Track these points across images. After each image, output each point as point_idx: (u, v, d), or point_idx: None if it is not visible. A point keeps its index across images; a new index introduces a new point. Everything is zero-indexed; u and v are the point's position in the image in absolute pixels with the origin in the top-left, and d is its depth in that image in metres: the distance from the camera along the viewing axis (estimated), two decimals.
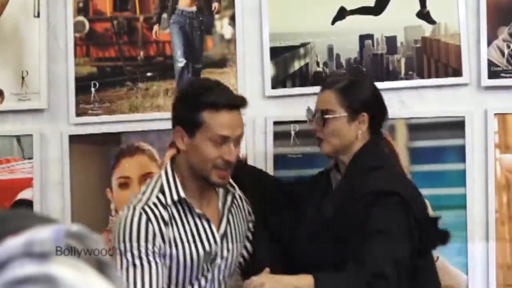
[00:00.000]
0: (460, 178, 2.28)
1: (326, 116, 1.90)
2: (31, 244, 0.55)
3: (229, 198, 1.95)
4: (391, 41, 2.28)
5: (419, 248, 1.86)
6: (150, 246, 1.83)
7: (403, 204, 1.82)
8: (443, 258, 2.24)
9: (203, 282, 1.97)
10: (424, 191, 2.09)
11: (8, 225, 0.59)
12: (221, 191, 2.01)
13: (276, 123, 2.28)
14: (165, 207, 1.87)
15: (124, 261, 1.82)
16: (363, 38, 2.29)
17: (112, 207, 2.48)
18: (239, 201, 1.98)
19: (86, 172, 2.52)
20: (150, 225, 1.82)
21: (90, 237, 0.57)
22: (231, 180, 1.99)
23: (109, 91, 2.47)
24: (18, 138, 2.51)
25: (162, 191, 1.85)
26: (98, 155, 2.53)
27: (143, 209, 1.82)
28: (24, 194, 2.50)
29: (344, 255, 1.81)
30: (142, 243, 1.81)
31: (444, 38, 2.28)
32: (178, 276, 1.93)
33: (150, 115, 2.43)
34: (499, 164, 2.22)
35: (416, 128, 2.30)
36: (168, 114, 2.24)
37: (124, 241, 1.82)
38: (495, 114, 2.21)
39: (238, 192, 1.97)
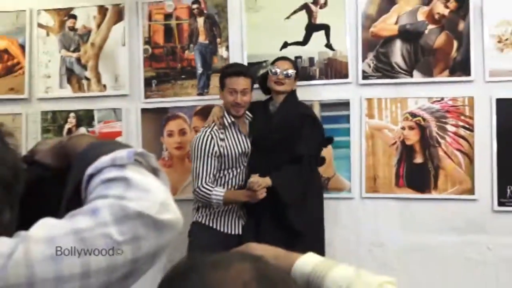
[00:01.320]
0: (347, 132, 3.40)
1: (289, 72, 2.96)
2: (115, 159, 0.84)
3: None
4: (311, 60, 3.43)
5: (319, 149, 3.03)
6: (210, 150, 2.79)
7: (318, 122, 3.01)
8: (338, 173, 3.38)
9: (238, 169, 2.91)
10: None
11: (103, 149, 0.89)
12: (247, 122, 2.99)
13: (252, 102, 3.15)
14: (222, 128, 2.84)
15: (195, 155, 2.78)
16: (296, 57, 3.39)
17: (164, 147, 3.52)
18: None
19: (150, 128, 3.55)
20: (212, 140, 2.79)
21: (148, 156, 0.88)
22: (251, 116, 2.96)
23: (162, 85, 3.55)
24: (114, 110, 3.63)
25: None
26: (156, 119, 3.54)
27: (209, 132, 2.80)
28: (117, 139, 3.33)
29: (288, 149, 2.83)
30: (206, 149, 2.78)
31: (339, 58, 3.41)
32: (227, 164, 2.85)
33: (183, 98, 3.54)
34: (367, 124, 3.37)
35: (324, 106, 3.41)
36: (193, 97, 3.51)
37: (197, 147, 2.79)
38: (365, 98, 3.35)
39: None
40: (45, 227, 0.80)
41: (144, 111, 3.59)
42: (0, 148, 0.87)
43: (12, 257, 0.75)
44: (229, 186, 2.88)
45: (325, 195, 3.25)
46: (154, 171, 0.91)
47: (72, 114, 3.66)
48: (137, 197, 0.82)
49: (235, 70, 2.91)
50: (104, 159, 0.87)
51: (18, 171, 0.88)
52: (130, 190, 0.83)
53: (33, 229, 0.80)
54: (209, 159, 2.78)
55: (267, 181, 2.76)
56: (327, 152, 3.35)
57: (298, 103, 3.12)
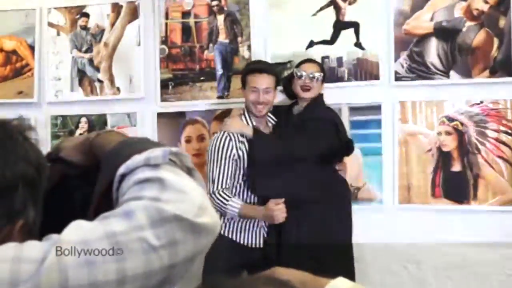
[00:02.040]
0: (378, 138, 3.29)
1: (315, 75, 2.90)
2: (148, 159, 0.83)
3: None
4: (339, 60, 3.32)
5: (337, 155, 2.94)
6: (228, 153, 2.75)
7: (336, 127, 2.91)
8: (369, 183, 3.28)
9: None
10: (359, 145, 3.19)
11: (135, 148, 0.88)
12: (271, 126, 2.94)
13: (275, 106, 3.13)
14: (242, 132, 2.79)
15: (211, 157, 2.74)
16: (323, 58, 3.32)
17: None
18: None
19: (166, 134, 3.49)
20: (231, 142, 2.76)
21: (183, 155, 0.86)
22: (275, 120, 2.93)
23: (179, 88, 3.50)
24: (128, 114, 3.57)
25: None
26: (173, 124, 3.49)
27: (228, 133, 2.77)
28: None
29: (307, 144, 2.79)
30: (224, 151, 2.75)
31: (370, 57, 3.29)
32: (245, 171, 2.77)
33: (202, 101, 3.47)
34: (400, 129, 3.25)
35: (354, 109, 3.28)
36: (213, 101, 3.43)
37: (214, 149, 2.75)
38: (399, 101, 3.24)
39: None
40: (78, 230, 0.79)
41: (160, 115, 3.56)
42: (22, 143, 0.88)
43: (44, 263, 0.75)
44: (245, 196, 2.83)
45: (354, 206, 3.14)
46: (189, 172, 0.89)
47: (83, 119, 3.63)
48: (174, 199, 0.81)
49: (258, 67, 2.87)
50: (137, 158, 0.86)
51: (42, 167, 0.89)
52: (166, 192, 0.82)
53: (65, 232, 0.79)
54: (227, 162, 2.74)
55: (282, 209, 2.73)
56: (356, 160, 3.27)
57: (323, 107, 3.06)
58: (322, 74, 2.98)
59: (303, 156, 2.81)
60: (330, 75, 3.27)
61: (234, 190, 2.82)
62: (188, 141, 3.50)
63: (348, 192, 3.11)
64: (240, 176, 2.82)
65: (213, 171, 2.77)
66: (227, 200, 2.70)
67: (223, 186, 2.73)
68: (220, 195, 2.71)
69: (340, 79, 3.35)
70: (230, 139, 2.76)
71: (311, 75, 2.92)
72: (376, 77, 3.32)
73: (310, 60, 3.04)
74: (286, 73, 3.30)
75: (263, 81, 2.82)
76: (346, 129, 3.16)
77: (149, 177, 0.84)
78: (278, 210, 2.67)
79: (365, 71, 3.32)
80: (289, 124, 2.98)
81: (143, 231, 0.79)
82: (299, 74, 2.94)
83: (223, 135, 2.77)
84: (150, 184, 0.83)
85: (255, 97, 2.81)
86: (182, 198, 0.82)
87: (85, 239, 0.78)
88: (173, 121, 3.53)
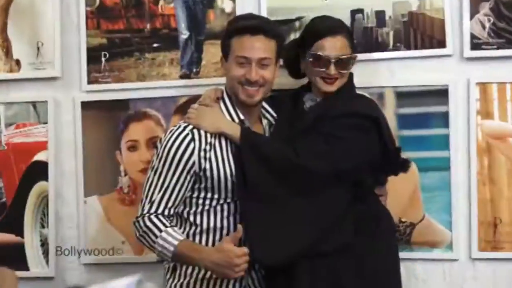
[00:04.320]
0: (444, 142, 2.82)
1: (347, 59, 2.44)
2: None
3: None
4: (380, 15, 2.85)
5: (380, 171, 2.52)
6: (184, 160, 2.40)
7: (376, 128, 2.43)
8: (429, 216, 2.82)
9: (230, 203, 2.49)
10: (411, 154, 2.73)
11: None
12: (266, 123, 2.58)
13: (273, 91, 2.68)
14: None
15: (156, 164, 2.41)
16: (354, 12, 2.84)
17: (121, 169, 3.06)
18: None
19: (97, 136, 3.07)
20: (192, 144, 2.41)
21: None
22: (273, 114, 2.56)
23: (118, 61, 3.08)
24: (34, 104, 3.12)
25: None
26: (108, 120, 3.09)
27: (190, 130, 2.41)
28: (40, 156, 3.07)
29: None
30: (177, 156, 2.39)
31: (429, 12, 2.82)
32: (212, 191, 2.45)
33: (156, 83, 3.03)
34: (480, 129, 2.79)
35: (404, 96, 2.85)
36: (174, 82, 3.01)
37: (163, 152, 2.41)
38: (476, 83, 2.77)
39: None
40: None
41: (87, 106, 3.12)
42: None
43: None
44: (213, 231, 2.51)
45: (406, 254, 2.83)
46: None
47: None
48: None
49: (250, 24, 2.47)
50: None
51: None
52: None
53: None
54: (178, 174, 2.42)
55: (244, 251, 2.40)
56: (408, 179, 2.78)
57: (354, 95, 2.63)
58: (355, 57, 2.57)
59: (322, 177, 2.42)
60: (365, 40, 2.87)
61: (196, 218, 2.49)
62: (132, 148, 3.07)
63: (393, 232, 2.71)
64: (205, 201, 2.48)
65: (152, 186, 2.45)
66: (159, 231, 2.36)
67: (161, 212, 2.41)
68: (152, 221, 2.38)
69: (381, 47, 2.92)
70: (192, 139, 2.43)
71: (338, 60, 2.47)
72: (441, 44, 2.86)
73: (335, 29, 2.55)
74: (293, 37, 2.89)
75: (258, 47, 2.44)
76: (393, 131, 2.72)
77: None
78: (239, 257, 2.29)
79: (421, 34, 2.89)
80: (298, 123, 2.59)
81: None
82: (318, 55, 2.49)
83: (182, 130, 2.45)
84: None
85: (243, 72, 2.44)
86: None
87: None
88: (108, 116, 3.14)
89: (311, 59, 2.51)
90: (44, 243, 3.16)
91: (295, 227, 2.42)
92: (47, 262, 3.15)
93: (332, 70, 2.47)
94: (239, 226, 2.40)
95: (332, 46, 2.49)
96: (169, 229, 2.41)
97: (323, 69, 2.49)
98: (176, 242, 2.37)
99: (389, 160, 2.58)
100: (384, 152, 2.52)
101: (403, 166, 2.63)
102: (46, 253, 3.15)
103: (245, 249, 2.33)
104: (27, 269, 3.15)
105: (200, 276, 2.49)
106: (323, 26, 2.57)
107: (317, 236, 2.42)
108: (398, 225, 2.85)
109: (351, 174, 2.44)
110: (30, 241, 3.18)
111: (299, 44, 2.62)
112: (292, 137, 2.50)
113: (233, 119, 2.49)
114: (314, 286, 2.43)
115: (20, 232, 3.18)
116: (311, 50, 2.52)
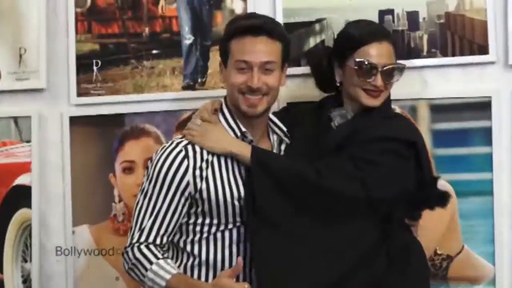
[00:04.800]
0: (486, 162, 2.62)
1: (395, 69, 2.30)
2: None
3: (282, 147, 2.40)
4: (412, 17, 2.66)
5: (414, 205, 2.33)
6: (176, 181, 2.26)
7: (414, 155, 2.27)
8: (469, 247, 2.63)
9: (233, 229, 2.34)
10: (448, 176, 2.57)
11: None
12: (275, 139, 2.42)
13: (290, 104, 2.58)
14: None
15: (147, 186, 2.27)
16: (383, 13, 2.65)
17: (116, 193, 2.90)
18: None
19: (88, 156, 2.93)
20: (185, 161, 2.27)
21: None
22: (283, 129, 2.42)
23: (112, 69, 2.92)
24: (16, 119, 2.98)
25: None
26: (101, 138, 2.93)
27: (184, 146, 2.27)
28: (22, 180, 2.93)
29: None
30: (168, 176, 2.26)
31: (470, 13, 2.62)
32: (210, 215, 2.31)
33: (155, 95, 2.87)
34: None
35: (440, 110, 2.66)
36: (175, 94, 2.86)
37: (153, 172, 2.27)
38: None
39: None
40: None
41: (76, 121, 2.98)
42: None
43: None
44: (213, 263, 2.37)
45: None
46: None
47: None
48: None
49: (251, 23, 2.29)
50: None
51: None
52: None
53: None
54: (170, 197, 2.27)
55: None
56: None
57: (391, 115, 2.44)
58: (404, 66, 2.39)
59: (351, 202, 2.25)
60: (396, 45, 2.48)
61: (193, 247, 2.35)
62: (128, 169, 2.91)
63: (426, 267, 2.49)
64: (203, 228, 2.34)
65: (142, 212, 2.30)
66: (150, 263, 2.22)
67: (152, 241, 2.28)
68: (142, 252, 2.24)
69: (413, 53, 2.73)
70: (186, 155, 2.28)
71: (387, 69, 2.29)
72: (483, 50, 2.65)
73: (379, 35, 2.37)
74: (312, 42, 2.77)
75: (261, 49, 2.26)
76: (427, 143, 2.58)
77: None
78: None
79: (460, 38, 2.68)
80: (323, 143, 2.38)
81: None
82: (366, 64, 2.30)
83: (175, 147, 2.30)
84: None
85: (244, 79, 2.27)
86: None
87: None
88: (100, 133, 2.99)
89: (356, 67, 2.33)
90: (26, 280, 3.05)
91: (316, 262, 2.23)
92: None
93: (379, 80, 2.31)
94: (239, 259, 2.26)
95: (379, 54, 2.33)
96: (161, 261, 2.26)
97: (369, 79, 2.32)
98: (168, 277, 2.22)
99: (426, 192, 2.37)
100: (420, 182, 2.33)
101: (442, 199, 2.39)
102: None
103: (246, 285, 2.20)
104: None
105: None
106: (367, 31, 2.40)
107: (342, 274, 2.23)
108: (433, 258, 2.70)
109: (385, 205, 2.24)
110: (11, 277, 3.07)
111: (335, 51, 2.45)
112: (315, 159, 2.30)
113: (234, 133, 2.33)
114: None
115: None
116: (354, 58, 2.35)
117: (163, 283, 2.21)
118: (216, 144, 2.32)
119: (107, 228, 2.97)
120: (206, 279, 2.33)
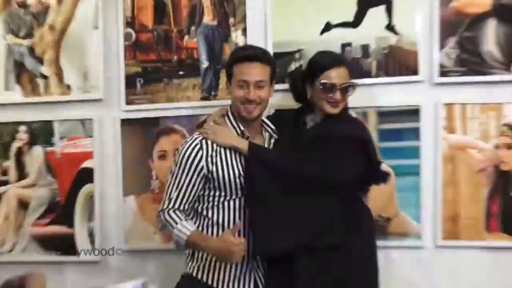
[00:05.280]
0: (416, 152, 3.05)
1: (350, 86, 2.59)
2: None
3: (272, 141, 2.68)
4: (365, 48, 3.05)
5: (364, 182, 2.70)
6: (194, 164, 2.60)
7: (364, 148, 2.61)
8: (402, 212, 3.06)
9: (236, 199, 2.63)
10: (389, 162, 2.96)
11: None
12: (267, 136, 2.71)
13: (277, 110, 2.91)
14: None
15: (174, 168, 2.60)
16: (344, 45, 3.05)
17: (153, 174, 3.26)
18: None
19: (133, 147, 3.28)
20: (200, 151, 2.59)
21: None
22: (272, 128, 2.70)
23: (151, 85, 3.29)
24: (82, 121, 3.34)
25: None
26: (143, 134, 3.29)
27: (200, 140, 2.60)
28: (87, 164, 3.32)
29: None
30: (189, 161, 2.59)
31: (405, 46, 3.03)
32: (221, 189, 2.62)
33: (182, 104, 3.24)
34: (446, 142, 3.01)
35: (383, 115, 3.05)
36: (195, 103, 3.19)
37: (178, 159, 2.61)
38: (443, 104, 2.98)
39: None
40: None
41: (125, 122, 3.34)
42: None
43: None
44: (222, 224, 2.67)
45: (384, 243, 2.99)
46: None
47: (22, 128, 3.46)
48: None
49: (248, 53, 2.62)
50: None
51: None
52: None
53: None
54: (189, 176, 2.60)
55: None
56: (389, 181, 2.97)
57: (349, 119, 2.79)
58: (356, 84, 2.69)
59: (323, 185, 2.56)
60: (353, 68, 2.91)
61: (215, 212, 2.66)
62: (162, 157, 3.28)
63: (373, 227, 2.86)
64: (214, 198, 2.65)
65: (170, 186, 2.63)
66: (175, 222, 2.57)
67: (177, 207, 2.61)
68: (170, 215, 2.59)
69: (365, 74, 3.10)
70: (201, 147, 2.59)
71: (343, 87, 2.61)
72: (414, 72, 3.06)
73: (338, 62, 2.68)
74: (293, 67, 3.11)
75: (256, 72, 2.59)
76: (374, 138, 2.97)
77: None
78: (236, 246, 2.44)
79: (399, 63, 3.08)
80: (300, 140, 2.70)
81: None
82: (328, 84, 2.63)
83: (193, 141, 2.62)
84: None
85: (244, 93, 2.59)
86: None
87: None
88: (142, 131, 3.34)
89: (321, 87, 2.61)
90: (91, 234, 3.36)
91: (293, 224, 2.55)
92: (93, 249, 3.35)
93: (338, 95, 2.59)
94: (238, 221, 2.59)
95: (338, 76, 2.61)
96: (184, 222, 2.57)
97: (330, 95, 2.61)
98: (188, 233, 2.54)
99: (374, 173, 2.73)
100: (369, 166, 2.67)
101: (384, 178, 2.82)
102: (92, 242, 3.35)
103: (242, 239, 2.47)
104: (77, 255, 3.36)
105: (213, 259, 2.64)
106: (329, 59, 2.68)
107: (314, 233, 2.55)
108: (378, 219, 3.05)
109: (345, 185, 2.58)
110: (80, 232, 3.38)
111: (306, 74, 2.74)
112: (295, 151, 2.65)
113: (236, 131, 2.64)
114: (310, 273, 2.57)
115: (71, 225, 3.37)
116: (319, 79, 2.63)
117: (185, 237, 2.55)
118: (223, 139, 2.62)
119: (147, 198, 3.29)
120: (217, 235, 2.62)
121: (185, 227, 2.56)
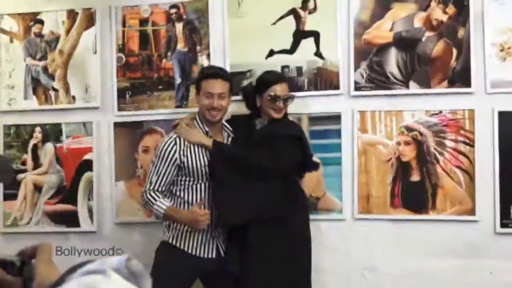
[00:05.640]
0: (338, 148, 3.34)
1: (289, 97, 2.83)
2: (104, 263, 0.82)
3: (229, 140, 2.88)
4: (299, 69, 3.35)
5: (300, 170, 2.91)
6: (170, 156, 2.72)
7: (300, 144, 2.84)
8: (328, 192, 3.33)
9: (201, 183, 2.75)
10: (318, 155, 3.22)
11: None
12: (226, 135, 2.86)
13: (233, 116, 3.09)
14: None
15: (154, 159, 2.74)
16: (283, 67, 3.35)
17: (139, 164, 3.47)
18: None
19: (123, 144, 3.48)
20: (175, 146, 2.72)
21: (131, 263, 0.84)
22: (230, 129, 2.85)
23: (137, 97, 3.50)
24: (84, 123, 3.55)
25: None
26: (130, 133, 3.48)
27: (175, 138, 2.74)
28: (87, 156, 3.50)
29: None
30: (165, 154, 2.73)
31: (329, 67, 3.34)
32: (189, 176, 2.72)
33: (160, 110, 3.46)
34: (360, 140, 3.31)
35: (313, 119, 3.33)
36: (171, 110, 3.38)
37: (158, 152, 2.75)
38: (358, 111, 3.29)
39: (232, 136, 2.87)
40: None
41: (117, 125, 3.53)
42: None
43: None
44: (191, 202, 2.80)
45: (314, 217, 3.19)
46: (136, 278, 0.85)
47: (38, 129, 3.59)
48: None
49: (213, 71, 2.83)
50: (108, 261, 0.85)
51: None
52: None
53: None
54: (166, 165, 2.72)
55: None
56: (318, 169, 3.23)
57: (288, 122, 3.01)
58: (294, 95, 2.94)
59: (269, 171, 2.76)
60: (290, 84, 3.18)
61: (186, 193, 2.79)
62: (145, 151, 3.46)
63: (306, 204, 3.11)
64: (185, 182, 2.78)
65: (151, 173, 2.75)
66: (155, 200, 2.68)
67: (156, 188, 2.71)
68: (150, 195, 2.70)
69: (300, 88, 3.35)
70: (175, 143, 2.73)
71: (285, 97, 2.86)
72: (336, 87, 3.34)
73: (281, 79, 2.93)
74: (245, 82, 3.33)
75: (218, 86, 2.77)
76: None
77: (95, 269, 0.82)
78: (202, 216, 2.61)
79: (325, 80, 3.34)
80: (252, 138, 2.92)
81: None
82: (273, 95, 2.85)
83: (169, 139, 2.75)
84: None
85: (209, 102, 2.76)
86: None
87: None
88: (130, 131, 3.49)
89: (268, 98, 2.82)
90: (90, 210, 3.50)
91: (247, 201, 2.71)
92: (92, 222, 3.50)
93: (281, 104, 2.82)
94: (202, 198, 2.73)
95: (281, 89, 2.84)
96: (161, 199, 2.70)
97: (275, 104, 2.82)
98: (165, 207, 2.68)
99: (307, 163, 2.95)
100: (304, 158, 2.89)
101: (315, 167, 3.08)
102: (91, 217, 3.49)
103: (207, 211, 2.62)
104: (79, 226, 3.50)
105: (185, 229, 2.77)
106: (275, 77, 2.90)
107: (262, 209, 2.72)
108: (309, 198, 3.25)
109: (286, 171, 2.80)
110: (81, 209, 3.51)
111: (256, 88, 2.92)
112: (248, 146, 2.82)
113: (202, 131, 2.78)
114: (260, 241, 2.75)
115: (75, 204, 3.50)
116: (267, 92, 2.83)
117: (162, 211, 2.68)
118: (193, 138, 2.75)
119: (134, 183, 3.44)
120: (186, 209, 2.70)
121: (162, 203, 2.69)
